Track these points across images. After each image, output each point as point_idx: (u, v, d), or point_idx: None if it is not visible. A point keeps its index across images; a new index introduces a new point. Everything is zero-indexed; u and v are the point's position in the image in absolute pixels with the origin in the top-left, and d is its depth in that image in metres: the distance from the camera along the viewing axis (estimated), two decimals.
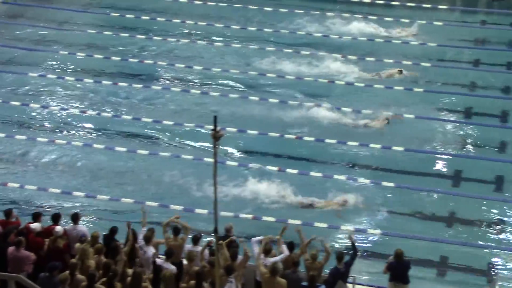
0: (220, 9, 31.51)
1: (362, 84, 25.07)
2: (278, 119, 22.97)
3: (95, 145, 21.84)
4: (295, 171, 20.37)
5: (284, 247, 14.40)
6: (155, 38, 28.75)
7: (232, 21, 30.18)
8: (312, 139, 21.95)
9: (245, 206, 18.86)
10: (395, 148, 21.46)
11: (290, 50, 27.49)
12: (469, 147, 21.91)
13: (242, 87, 25.28)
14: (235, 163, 20.83)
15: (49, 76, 25.91)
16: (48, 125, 23.02)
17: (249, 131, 22.34)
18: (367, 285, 15.62)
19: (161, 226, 15.11)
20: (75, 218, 15.22)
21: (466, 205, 19.29)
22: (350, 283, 14.39)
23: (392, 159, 21.12)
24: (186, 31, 29.47)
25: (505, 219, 18.77)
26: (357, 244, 14.77)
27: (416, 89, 24.76)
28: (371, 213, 18.77)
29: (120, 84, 25.32)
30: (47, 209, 18.37)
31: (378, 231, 18.08)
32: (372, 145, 21.57)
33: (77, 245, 14.31)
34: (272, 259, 13.92)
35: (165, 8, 31.62)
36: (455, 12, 32.71)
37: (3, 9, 32.00)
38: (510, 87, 25.24)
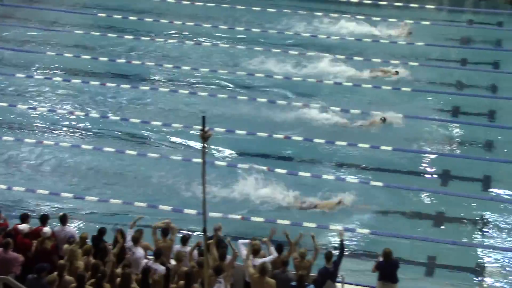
0: (208, 9, 31.49)
1: (350, 84, 25.12)
2: (266, 119, 22.98)
3: (83, 146, 21.78)
4: (283, 171, 20.38)
5: (273, 249, 14.41)
6: (143, 38, 28.70)
7: (220, 21, 30.17)
8: (300, 138, 21.97)
9: (234, 207, 18.84)
10: (383, 147, 21.51)
11: (278, 50, 27.50)
12: (457, 146, 21.97)
13: (231, 87, 25.28)
14: (224, 163, 20.82)
15: (37, 77, 25.83)
16: (36, 126, 22.93)
17: (237, 131, 22.33)
18: (356, 285, 15.64)
19: (151, 228, 15.09)
20: (63, 219, 15.18)
21: (454, 204, 19.35)
22: (339, 282, 14.43)
23: (380, 159, 21.16)
24: (174, 31, 29.43)
25: (493, 217, 18.83)
26: (345, 243, 14.82)
27: (403, 89, 24.83)
28: (359, 212, 18.79)
29: (108, 84, 25.25)
30: (35, 211, 18.29)
31: (366, 231, 18.12)
32: (360, 145, 21.61)
33: (66, 246, 14.28)
34: (261, 260, 13.93)
35: (153, 9, 31.57)
36: (442, 11, 32.86)
37: None
38: (497, 86, 25.35)
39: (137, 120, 23.08)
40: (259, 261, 13.92)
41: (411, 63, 26.43)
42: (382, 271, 14.42)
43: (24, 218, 15.12)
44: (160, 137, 22.39)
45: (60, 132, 22.64)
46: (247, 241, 14.47)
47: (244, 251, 14.23)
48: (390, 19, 29.87)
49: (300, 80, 25.39)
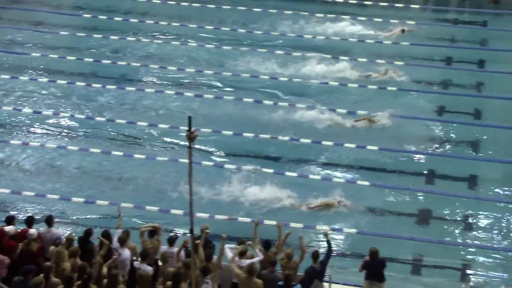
0: (193, 9, 31.46)
1: (336, 83, 25.17)
2: (253, 119, 22.98)
3: (69, 147, 21.69)
4: (270, 171, 20.38)
5: (258, 251, 14.41)
6: (129, 39, 28.64)
7: (206, 22, 30.14)
8: (287, 138, 21.98)
9: (220, 207, 18.83)
10: (369, 147, 21.55)
11: (264, 50, 27.52)
12: (443, 145, 22.05)
13: (217, 87, 25.27)
14: (211, 164, 20.80)
15: (22, 78, 25.70)
16: (21, 127, 22.83)
17: (224, 132, 22.32)
18: (343, 284, 15.67)
19: (139, 231, 15.07)
20: (49, 221, 15.12)
21: (440, 202, 19.43)
22: (326, 282, 14.45)
23: (366, 158, 21.21)
24: (160, 31, 29.39)
25: (479, 216, 18.92)
26: (332, 242, 14.84)
27: (389, 88, 24.90)
28: (346, 212, 18.82)
29: (94, 85, 25.17)
30: (21, 213, 18.21)
31: (353, 230, 18.15)
32: (347, 145, 21.64)
33: (52, 248, 14.22)
34: (248, 261, 13.93)
35: (138, 9, 31.51)
36: (428, 11, 33.01)
37: None
38: (482, 85, 25.47)
39: (123, 121, 23.02)
40: (246, 262, 13.92)
41: (396, 63, 26.51)
42: (369, 271, 14.45)
43: (9, 220, 15.05)
44: (147, 138, 22.34)
45: (46, 133, 22.56)
46: (233, 245, 14.48)
47: (230, 254, 14.23)
48: (376, 19, 30.00)
49: (287, 80, 25.41)
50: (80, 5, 32.06)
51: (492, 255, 17.55)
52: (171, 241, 14.70)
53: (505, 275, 16.91)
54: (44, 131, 22.69)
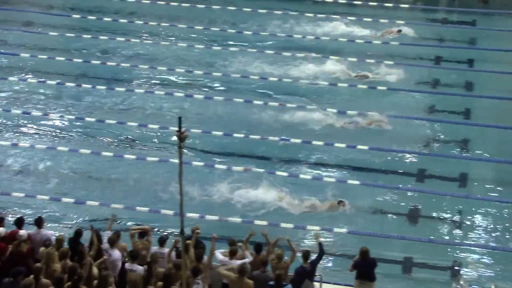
0: (183, 9, 31.42)
1: (326, 83, 25.19)
2: (243, 119, 22.97)
3: (59, 148, 21.61)
4: (261, 170, 20.37)
5: (247, 253, 14.41)
6: (118, 39, 28.57)
7: (196, 22, 30.12)
8: (277, 138, 21.97)
9: (211, 207, 18.81)
10: (359, 147, 21.56)
11: (254, 50, 27.51)
12: (433, 144, 22.10)
13: (207, 87, 25.24)
14: (201, 164, 20.78)
15: (11, 78, 25.60)
16: (10, 128, 22.74)
17: (214, 132, 22.30)
18: (334, 284, 15.68)
19: (129, 232, 15.05)
20: (39, 222, 15.08)
21: (430, 201, 19.47)
22: (317, 281, 14.46)
23: (357, 158, 21.24)
24: (150, 32, 29.34)
25: (469, 215, 18.97)
26: (324, 243, 14.85)
27: (379, 88, 24.93)
28: (337, 212, 18.85)
29: (84, 86, 25.11)
30: (10, 214, 18.14)
31: (344, 230, 18.15)
32: (337, 144, 21.64)
33: (42, 249, 14.18)
34: (239, 261, 13.93)
35: (128, 9, 31.44)
36: (417, 10, 33.08)
37: None
38: (472, 84, 25.54)
39: (113, 121, 22.95)
40: (237, 262, 13.92)
41: (386, 62, 26.54)
42: (360, 270, 14.48)
43: None
44: (137, 138, 22.30)
45: (35, 134, 22.47)
46: (224, 250, 14.49)
47: (220, 257, 14.24)
48: (365, 19, 30.05)
49: (277, 80, 25.41)
50: (70, 5, 31.96)
51: (482, 254, 17.61)
52: (162, 241, 14.69)
53: (495, 273, 16.96)
54: (34, 131, 22.62)
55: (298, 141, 21.93)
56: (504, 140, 22.24)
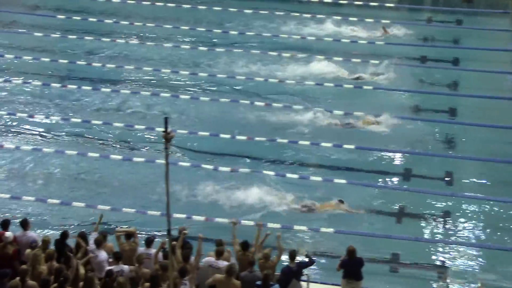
0: (168, 10, 31.38)
1: (312, 83, 25.22)
2: (229, 120, 22.96)
3: (44, 149, 21.51)
4: (247, 170, 20.37)
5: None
6: (104, 39, 28.50)
7: (181, 22, 30.08)
8: (263, 139, 21.97)
9: (198, 207, 18.78)
10: (346, 146, 21.60)
11: (240, 50, 27.51)
12: (418, 143, 22.16)
13: (193, 88, 25.21)
14: (187, 164, 20.75)
15: None
16: None
17: (200, 132, 22.28)
18: (321, 283, 15.70)
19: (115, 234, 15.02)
20: (24, 224, 14.99)
21: (416, 200, 19.53)
22: (304, 281, 14.47)
23: (343, 157, 21.28)
24: (135, 32, 29.28)
25: (455, 213, 19.05)
26: (311, 253, 14.94)
27: (365, 87, 24.99)
28: (324, 212, 18.89)
29: (69, 86, 25.02)
30: None
31: (330, 229, 18.17)
32: (323, 144, 21.68)
33: (28, 251, 14.11)
34: (225, 262, 13.92)
35: (113, 10, 31.37)
36: (402, 10, 33.21)
37: None
38: (457, 83, 25.65)
39: (99, 122, 22.89)
40: (224, 263, 13.92)
41: (372, 61, 26.60)
42: (347, 269, 14.50)
43: None
44: (123, 139, 22.25)
45: (20, 135, 22.37)
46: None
47: (207, 258, 14.26)
48: (351, 18, 30.11)
49: (263, 80, 25.41)
50: (54, 6, 31.83)
51: (468, 251, 17.67)
52: (148, 242, 14.64)
53: (481, 270, 17.02)
54: (19, 133, 22.50)
55: (284, 140, 21.93)
56: (489, 138, 22.34)
